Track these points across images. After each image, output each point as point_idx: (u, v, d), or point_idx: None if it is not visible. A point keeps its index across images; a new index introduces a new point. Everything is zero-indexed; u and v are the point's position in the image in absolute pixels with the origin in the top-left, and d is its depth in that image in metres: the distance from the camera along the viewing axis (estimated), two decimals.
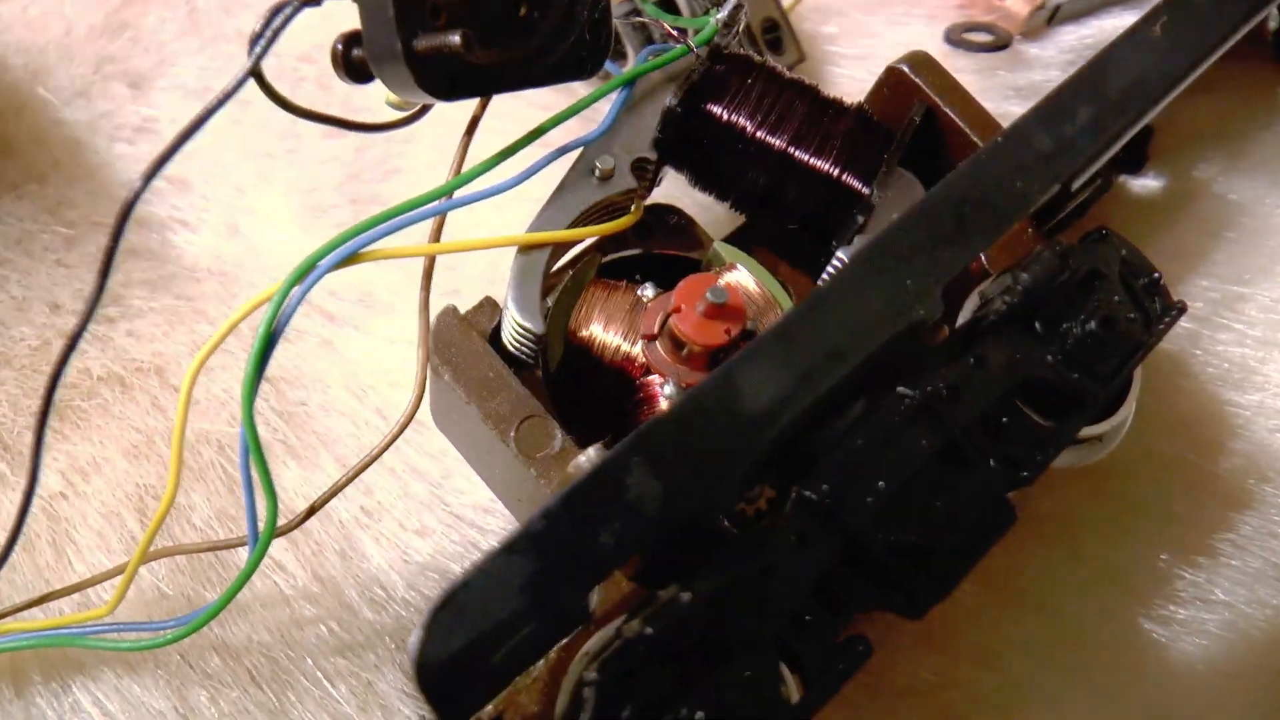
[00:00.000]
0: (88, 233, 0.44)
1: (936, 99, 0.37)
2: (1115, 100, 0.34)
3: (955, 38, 0.48)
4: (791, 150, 0.36)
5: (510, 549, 0.26)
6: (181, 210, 0.44)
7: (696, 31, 0.37)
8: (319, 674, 0.37)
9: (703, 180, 0.38)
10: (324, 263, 0.32)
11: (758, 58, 0.38)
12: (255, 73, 0.31)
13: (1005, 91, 0.47)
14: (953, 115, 0.37)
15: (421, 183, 0.45)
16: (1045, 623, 0.38)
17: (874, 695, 0.38)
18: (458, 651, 0.25)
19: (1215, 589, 0.38)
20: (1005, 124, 0.39)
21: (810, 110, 0.36)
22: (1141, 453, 0.40)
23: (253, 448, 0.31)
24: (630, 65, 0.37)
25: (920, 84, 0.37)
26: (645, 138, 0.36)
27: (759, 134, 0.36)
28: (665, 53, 0.36)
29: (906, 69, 0.37)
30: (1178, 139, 0.47)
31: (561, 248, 0.36)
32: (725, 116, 0.36)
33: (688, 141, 0.37)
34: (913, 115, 0.36)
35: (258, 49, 0.31)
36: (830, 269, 0.35)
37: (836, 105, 0.37)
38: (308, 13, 0.31)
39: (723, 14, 0.37)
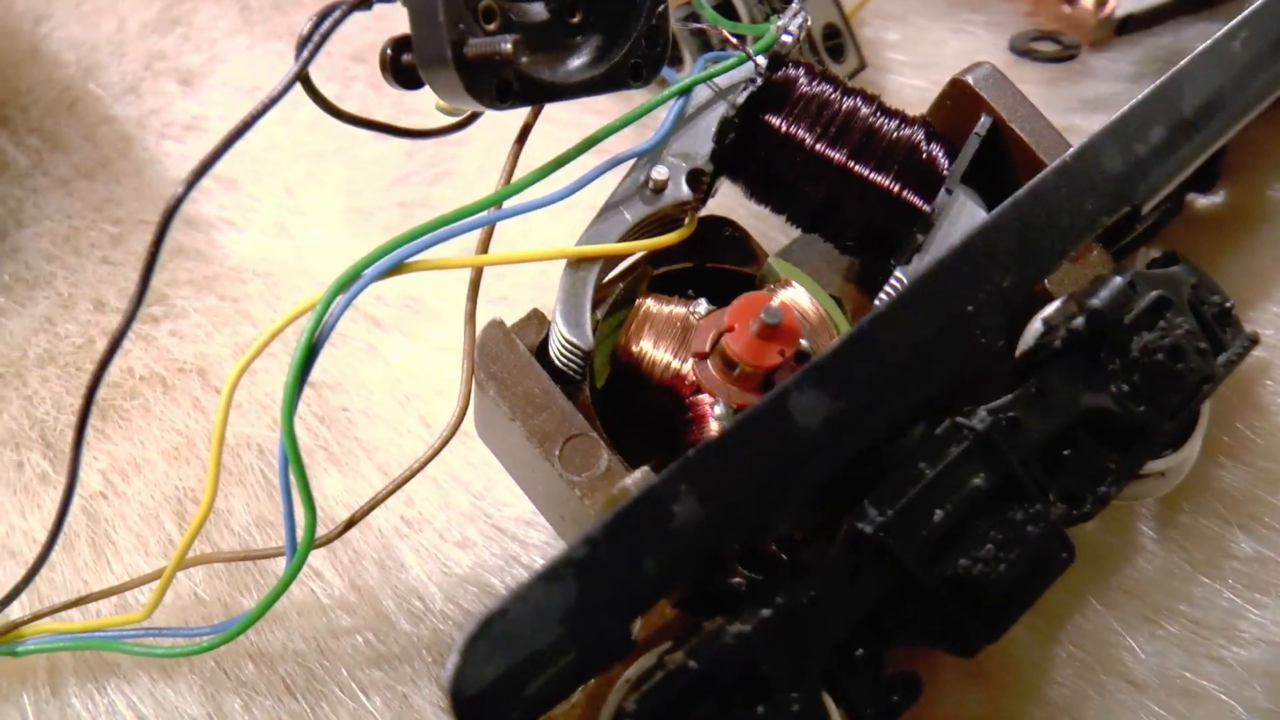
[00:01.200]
0: (134, 230, 0.44)
1: (1002, 114, 0.36)
2: (1190, 119, 0.33)
3: (1021, 47, 0.47)
4: (851, 164, 0.35)
5: (550, 576, 0.25)
6: (229, 210, 0.44)
7: (756, 39, 0.36)
8: (354, 685, 0.37)
9: (759, 193, 0.37)
10: (369, 272, 0.31)
11: (818, 66, 0.37)
12: (302, 77, 0.31)
13: (1071, 104, 0.46)
14: (1019, 131, 0.35)
15: (471, 187, 0.45)
16: (1098, 659, 0.37)
17: None
18: (494, 681, 0.25)
19: None
20: (1071, 137, 0.38)
21: (872, 123, 0.35)
22: (1208, 487, 0.38)
23: (292, 459, 0.31)
24: (687, 72, 0.36)
25: (985, 97, 0.36)
26: (701, 148, 0.35)
27: (818, 146, 0.35)
28: (723, 60, 0.35)
29: (971, 81, 0.36)
30: (1250, 156, 0.45)
31: (612, 261, 0.35)
32: (784, 128, 0.35)
33: (744, 153, 0.36)
34: (977, 130, 0.35)
35: (305, 53, 0.30)
36: (889, 288, 0.34)
37: (900, 118, 0.36)
38: (361, 12, 0.31)
39: (783, 20, 0.35)
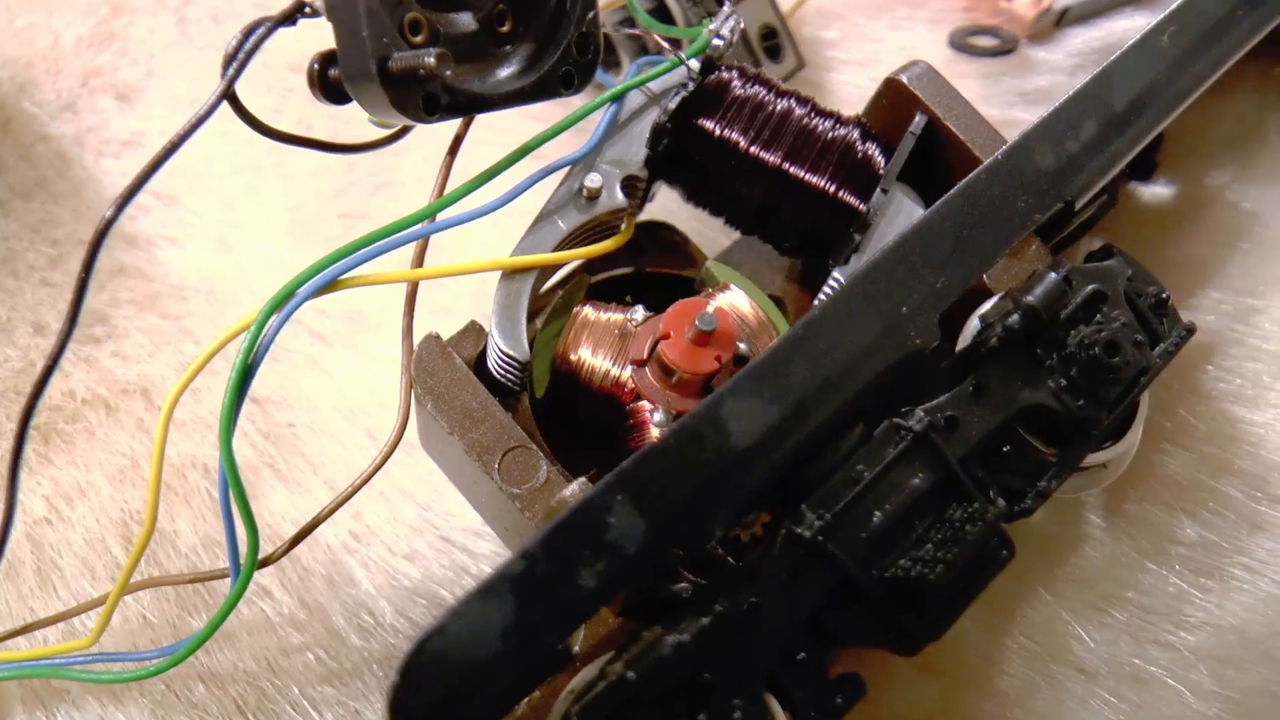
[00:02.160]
0: (73, 251, 0.43)
1: (937, 111, 0.36)
2: (1121, 114, 0.33)
3: (960, 42, 0.47)
4: (786, 166, 0.35)
5: (487, 591, 0.25)
6: (168, 226, 0.44)
7: (689, 42, 0.36)
8: (305, 703, 0.36)
9: (696, 196, 0.37)
10: (302, 291, 0.31)
11: (752, 69, 0.37)
12: (229, 95, 0.30)
13: (1011, 97, 0.46)
14: (954, 129, 0.35)
15: (411, 196, 0.45)
16: (1048, 648, 0.37)
17: None
18: (434, 701, 0.25)
19: (1226, 614, 0.37)
20: (1013, 130, 0.38)
21: (806, 124, 0.35)
22: (1150, 473, 0.39)
23: (231, 480, 0.30)
24: (622, 77, 0.36)
25: (920, 96, 0.36)
26: (636, 154, 0.35)
27: (753, 149, 0.35)
28: (657, 65, 0.35)
29: (906, 80, 0.36)
30: (1189, 145, 0.45)
31: (549, 270, 0.35)
32: (718, 131, 0.35)
33: (680, 157, 0.36)
34: (912, 130, 0.35)
35: (230, 70, 0.30)
36: (827, 289, 0.34)
37: (834, 118, 0.36)
38: (289, 27, 0.30)
39: (715, 24, 0.35)
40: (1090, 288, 0.31)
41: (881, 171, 0.35)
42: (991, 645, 0.37)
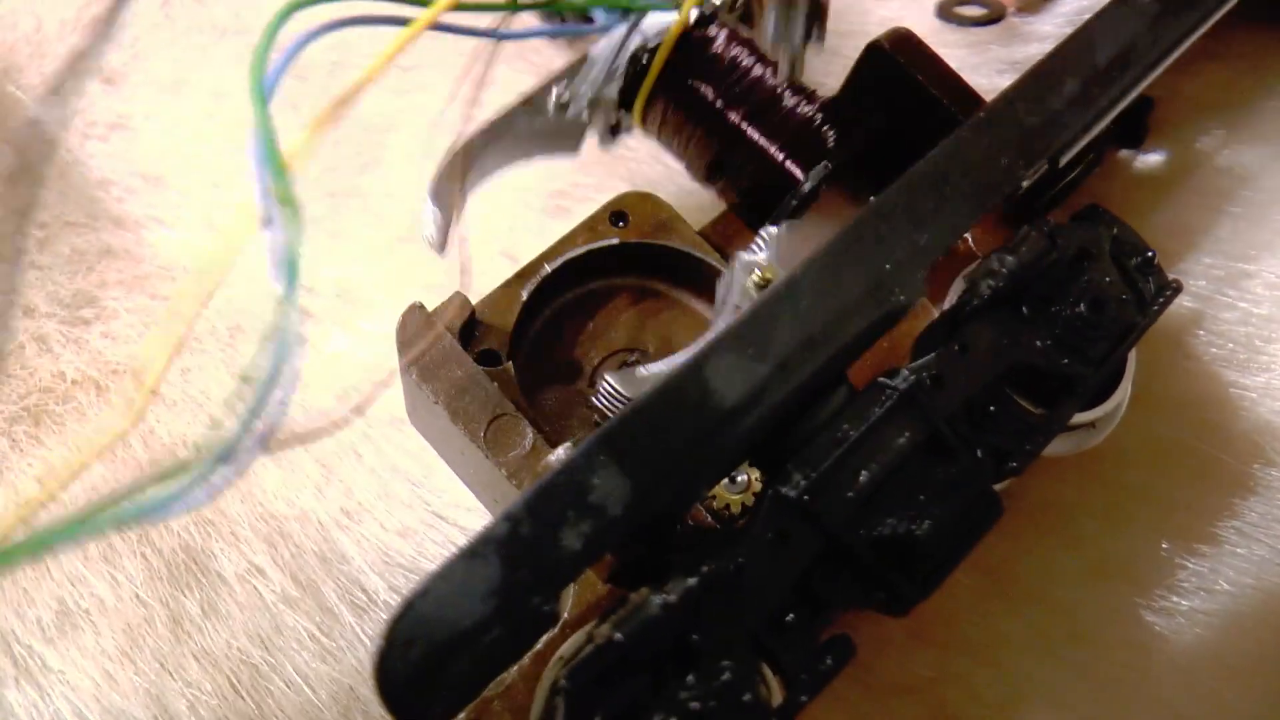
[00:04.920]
0: (61, 233, 0.43)
1: (920, 75, 0.36)
2: (1104, 70, 0.33)
3: (947, 12, 0.47)
4: (744, 125, 0.35)
5: (471, 554, 0.25)
6: (157, 208, 0.44)
7: None
8: (300, 680, 0.36)
9: (659, 136, 0.37)
10: None
11: (744, 32, 0.37)
12: None
13: (999, 66, 0.46)
14: (936, 93, 0.35)
15: (401, 176, 0.45)
16: (1043, 615, 0.37)
17: (868, 692, 0.37)
18: (419, 663, 0.25)
19: (1220, 578, 0.37)
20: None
21: (775, 92, 0.36)
22: (1141, 437, 0.39)
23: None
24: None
25: (901, 60, 0.36)
26: (611, 83, 0.35)
27: (718, 103, 0.35)
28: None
29: (887, 45, 0.36)
30: (1180, 110, 0.45)
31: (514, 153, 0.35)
32: (691, 82, 0.35)
33: (651, 97, 0.36)
34: (867, 126, 0.35)
35: None
36: (754, 246, 0.34)
37: (804, 94, 0.36)
38: None
39: None
40: (1075, 246, 0.31)
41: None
42: (984, 612, 0.37)
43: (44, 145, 0.45)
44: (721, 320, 0.32)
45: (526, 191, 0.43)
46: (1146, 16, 0.34)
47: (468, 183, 0.33)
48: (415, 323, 0.33)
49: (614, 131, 0.36)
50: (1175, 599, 0.37)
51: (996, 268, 0.30)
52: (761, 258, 0.33)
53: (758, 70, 0.36)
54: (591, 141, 0.36)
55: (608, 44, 0.35)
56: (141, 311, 0.42)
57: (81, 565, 0.38)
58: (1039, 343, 0.30)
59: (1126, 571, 0.37)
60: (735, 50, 0.36)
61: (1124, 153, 0.45)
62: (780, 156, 0.35)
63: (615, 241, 0.36)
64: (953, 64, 0.44)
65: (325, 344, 0.41)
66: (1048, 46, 0.46)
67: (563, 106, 0.34)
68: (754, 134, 0.35)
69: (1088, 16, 0.47)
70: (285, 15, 0.28)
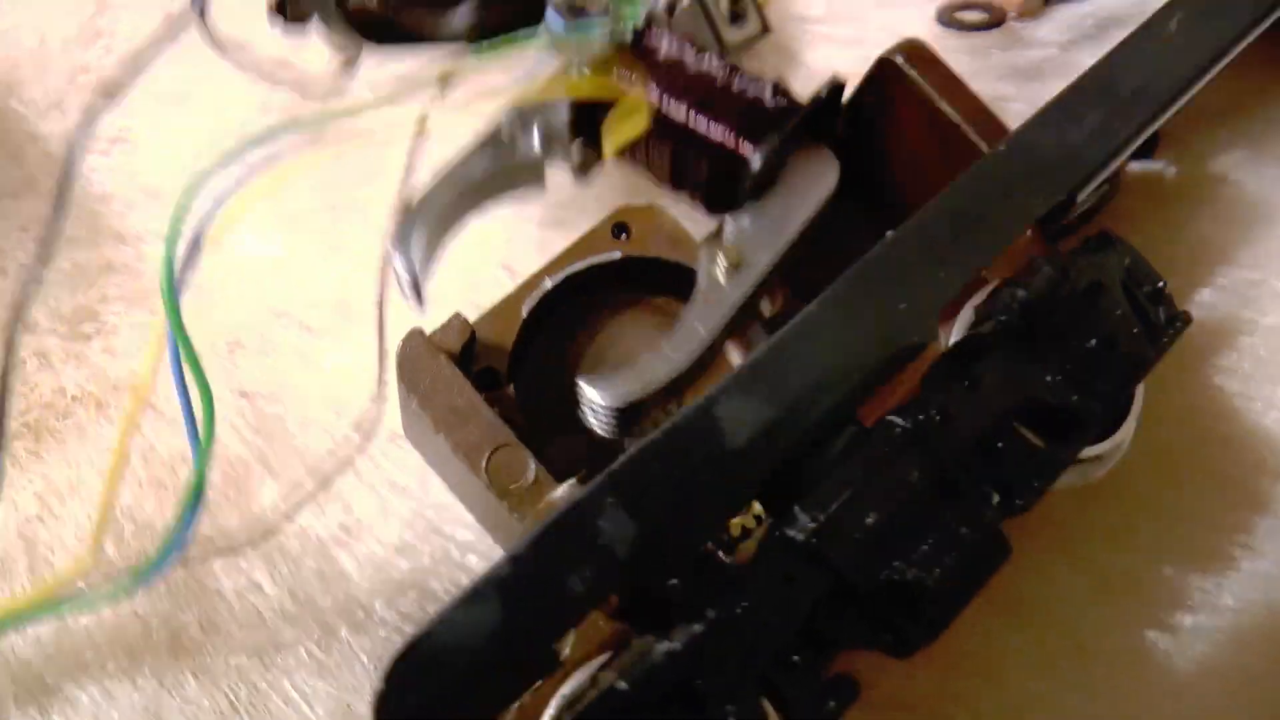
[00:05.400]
0: (61, 249, 0.43)
1: (933, 93, 0.35)
2: (1126, 102, 0.32)
3: (947, 17, 0.46)
4: (690, 118, 0.34)
5: (473, 596, 0.25)
6: (157, 222, 0.44)
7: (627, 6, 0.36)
8: (298, 696, 0.36)
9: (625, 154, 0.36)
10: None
11: (684, 34, 0.36)
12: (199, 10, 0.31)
13: (1002, 71, 0.45)
14: (950, 113, 0.35)
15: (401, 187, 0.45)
16: (1046, 631, 0.37)
17: (869, 709, 0.36)
18: (420, 706, 0.24)
19: (1226, 594, 0.37)
20: (1001, 105, 0.38)
21: (718, 81, 0.34)
22: (1148, 450, 0.38)
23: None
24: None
25: (914, 76, 0.35)
26: (560, 109, 0.34)
27: (662, 105, 0.34)
28: (591, 23, 0.35)
29: (900, 61, 0.36)
30: (1190, 122, 0.44)
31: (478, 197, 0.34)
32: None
33: (597, 117, 0.35)
34: (819, 92, 0.34)
35: None
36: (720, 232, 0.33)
37: (749, 77, 0.35)
38: None
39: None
40: (1087, 279, 0.30)
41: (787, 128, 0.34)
42: (986, 629, 0.37)
43: (46, 160, 0.45)
44: (692, 312, 0.32)
45: (525, 203, 0.43)
46: (1172, 48, 0.33)
47: (435, 236, 0.33)
48: (414, 349, 0.33)
49: (584, 168, 0.35)
50: (1180, 615, 0.37)
51: (1008, 302, 0.30)
52: (726, 242, 0.33)
53: (700, 63, 0.34)
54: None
55: (546, 70, 0.34)
56: (142, 327, 0.42)
57: (80, 583, 0.38)
58: (1049, 378, 0.30)
59: (1131, 587, 0.37)
60: (675, 49, 0.35)
61: (1134, 163, 0.44)
62: (732, 140, 0.34)
63: (617, 256, 0.36)
64: (954, 69, 0.43)
65: (324, 359, 0.41)
66: (1049, 52, 0.46)
67: (513, 141, 0.34)
68: (701, 123, 0.34)
69: (1089, 21, 0.47)
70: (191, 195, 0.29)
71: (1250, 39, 0.35)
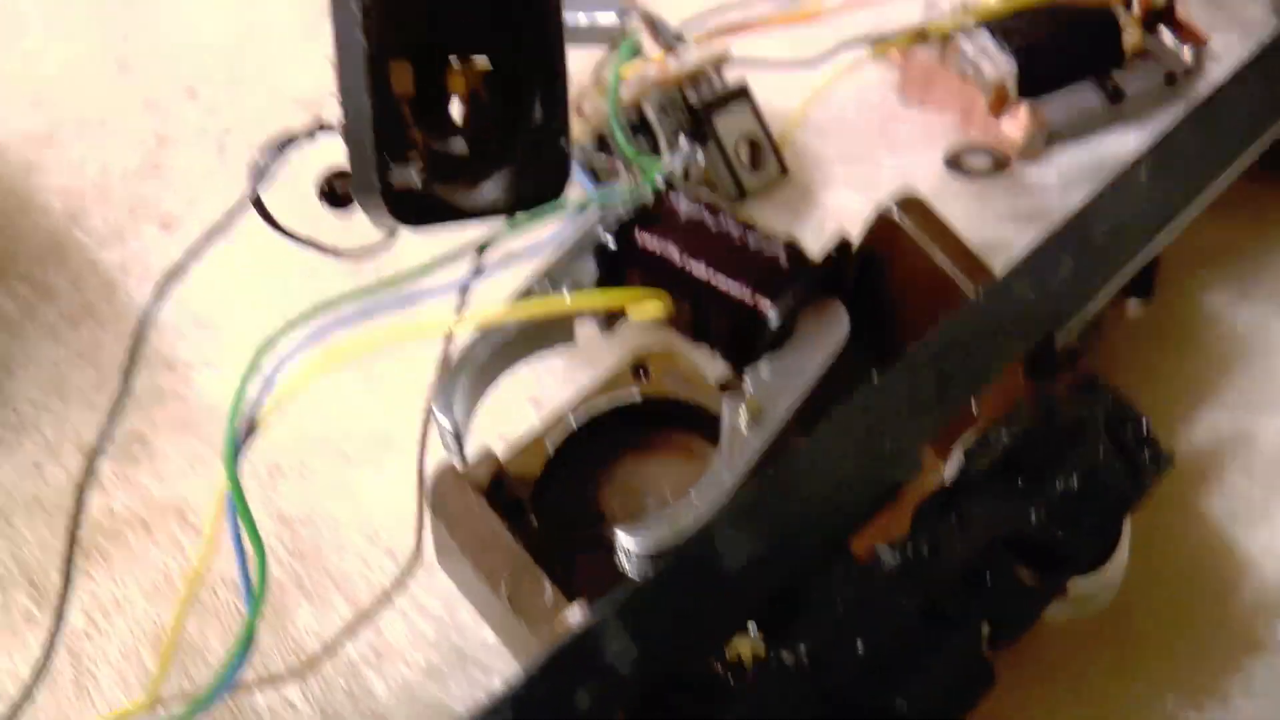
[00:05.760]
0: (116, 375, 0.46)
1: (922, 243, 0.38)
2: (1100, 249, 0.35)
3: (954, 162, 0.49)
4: (710, 277, 0.37)
5: (491, 714, 0.27)
6: (205, 350, 0.46)
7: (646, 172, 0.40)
8: None
9: None
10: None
11: (702, 193, 0.40)
12: (254, 200, 0.35)
13: (1003, 215, 0.48)
14: (941, 262, 0.37)
15: (433, 314, 0.47)
16: None
17: None
18: None
19: None
20: (1004, 248, 0.40)
21: (735, 240, 0.37)
22: (1146, 591, 0.40)
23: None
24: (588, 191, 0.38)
25: (907, 227, 0.38)
26: (588, 267, 0.38)
27: (681, 262, 0.37)
28: (616, 190, 0.39)
29: (896, 214, 0.38)
30: (1187, 263, 0.47)
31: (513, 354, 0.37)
32: (655, 248, 0.38)
33: (624, 272, 0.38)
34: (829, 251, 0.37)
35: (256, 178, 0.35)
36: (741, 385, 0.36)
37: (765, 236, 0.38)
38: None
39: (672, 159, 0.40)
40: (1070, 422, 0.33)
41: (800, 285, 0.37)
42: None
43: (105, 288, 0.48)
44: (720, 460, 0.34)
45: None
46: (1142, 197, 0.36)
47: (475, 393, 0.35)
48: (447, 483, 0.35)
49: (609, 324, 0.38)
50: None
51: (993, 443, 0.32)
52: (747, 396, 0.35)
53: (717, 223, 0.38)
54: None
55: (574, 233, 0.37)
56: (188, 452, 0.44)
57: (123, 696, 0.40)
58: (1033, 515, 0.32)
59: None
60: (693, 209, 0.38)
61: (1133, 303, 0.46)
62: (750, 297, 0.37)
63: (637, 398, 0.38)
64: (959, 213, 0.46)
65: (360, 487, 0.43)
66: (1048, 197, 0.49)
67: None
68: (721, 281, 0.37)
69: (1086, 165, 0.50)
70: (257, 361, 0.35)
71: (1219, 187, 0.38)
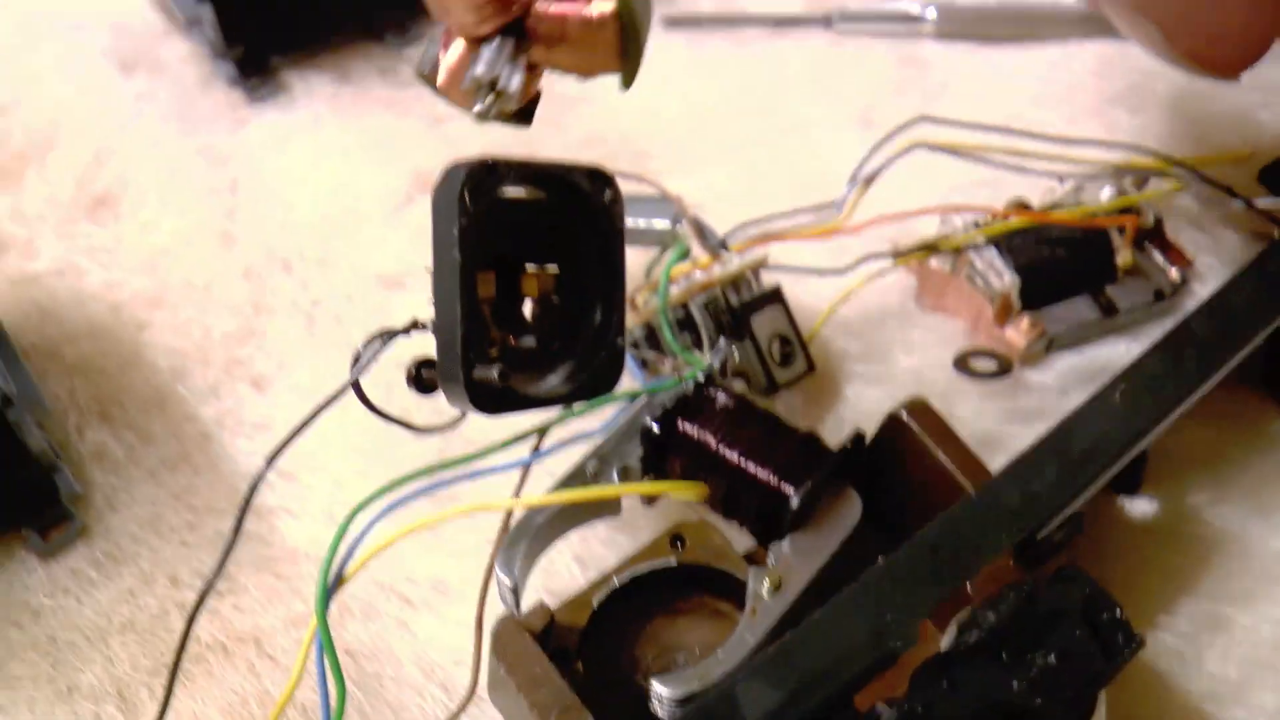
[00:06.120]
0: (207, 517, 0.51)
1: (930, 443, 0.43)
2: (1077, 460, 0.40)
3: (962, 364, 0.55)
4: (742, 462, 0.43)
5: None
6: (288, 499, 0.52)
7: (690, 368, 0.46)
8: None
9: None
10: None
11: (739, 388, 0.46)
12: (355, 385, 0.41)
13: (1005, 414, 0.54)
14: (942, 459, 0.43)
15: (496, 484, 0.53)
16: None
17: None
18: None
19: None
20: (1005, 444, 0.45)
21: (765, 431, 0.43)
22: None
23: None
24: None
25: (915, 428, 0.44)
26: (634, 449, 0.43)
27: (717, 448, 0.43)
28: (663, 382, 0.45)
29: (905, 415, 0.44)
30: (1171, 465, 0.52)
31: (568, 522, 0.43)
32: (695, 434, 0.43)
33: (667, 455, 0.44)
34: (845, 443, 0.43)
35: (357, 368, 0.40)
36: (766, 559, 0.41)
37: (791, 429, 0.44)
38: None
39: (710, 357, 0.46)
40: (1049, 606, 0.37)
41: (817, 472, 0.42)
42: None
43: (201, 439, 0.54)
44: (744, 623, 0.39)
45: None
46: (1117, 415, 0.41)
47: (532, 555, 0.41)
48: (507, 629, 0.40)
49: (652, 501, 0.44)
50: None
51: (981, 621, 0.37)
52: (770, 568, 0.40)
53: (749, 415, 0.44)
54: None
55: (623, 420, 0.44)
56: (267, 588, 0.49)
57: None
58: (1015, 684, 0.36)
59: None
60: (729, 401, 0.44)
61: (1120, 499, 0.51)
62: (775, 482, 0.42)
63: (674, 564, 0.44)
64: (966, 410, 0.52)
65: (420, 628, 0.48)
66: (1047, 399, 0.54)
67: (595, 477, 0.42)
68: (751, 466, 0.42)
69: (1083, 370, 0.55)
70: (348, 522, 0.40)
71: (1188, 405, 0.43)
